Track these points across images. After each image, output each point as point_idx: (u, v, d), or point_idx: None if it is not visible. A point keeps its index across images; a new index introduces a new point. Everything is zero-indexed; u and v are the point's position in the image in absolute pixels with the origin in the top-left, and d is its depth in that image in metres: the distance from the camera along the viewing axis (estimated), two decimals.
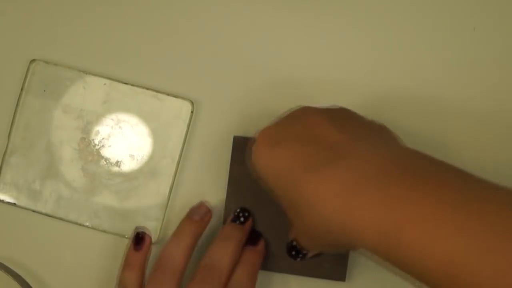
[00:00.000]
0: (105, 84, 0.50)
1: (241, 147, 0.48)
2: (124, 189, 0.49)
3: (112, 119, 0.50)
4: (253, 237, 0.47)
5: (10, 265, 0.49)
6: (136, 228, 0.48)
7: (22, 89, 0.50)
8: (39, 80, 0.50)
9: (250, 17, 0.50)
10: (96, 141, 0.50)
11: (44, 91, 0.50)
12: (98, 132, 0.50)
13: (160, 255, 0.45)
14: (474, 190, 0.34)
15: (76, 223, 0.49)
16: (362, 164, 0.36)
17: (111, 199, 0.49)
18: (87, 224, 0.49)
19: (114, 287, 0.47)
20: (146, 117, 0.49)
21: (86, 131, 0.50)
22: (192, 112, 0.49)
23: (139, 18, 0.51)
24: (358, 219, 0.35)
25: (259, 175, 0.41)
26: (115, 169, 0.49)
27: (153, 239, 0.49)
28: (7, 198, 0.49)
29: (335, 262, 0.47)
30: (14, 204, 0.49)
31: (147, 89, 0.49)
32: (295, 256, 0.43)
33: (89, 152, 0.50)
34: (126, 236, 0.49)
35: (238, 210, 0.47)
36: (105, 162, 0.50)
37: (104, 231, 0.49)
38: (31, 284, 0.48)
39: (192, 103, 0.49)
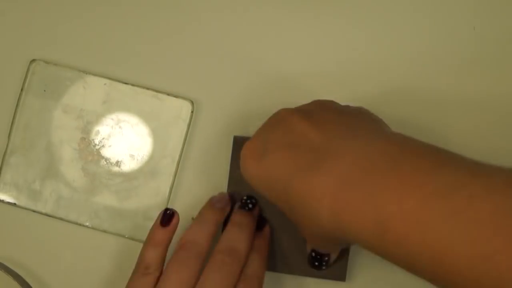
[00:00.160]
0: (105, 84, 0.50)
1: (241, 147, 0.48)
2: (124, 189, 0.49)
3: (112, 119, 0.50)
4: (259, 223, 0.47)
5: (10, 265, 0.49)
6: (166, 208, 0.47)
7: (22, 89, 0.50)
8: (39, 80, 0.50)
9: (250, 17, 0.50)
10: (96, 141, 0.50)
11: (44, 91, 0.50)
12: (98, 132, 0.50)
13: (184, 239, 0.44)
14: (464, 175, 0.33)
15: (76, 223, 0.49)
16: (343, 163, 0.36)
17: (111, 199, 0.49)
18: (87, 224, 0.49)
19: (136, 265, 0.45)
20: (146, 117, 0.50)
21: (86, 131, 0.50)
22: (192, 112, 0.49)
23: (139, 18, 0.51)
24: (348, 217, 0.35)
25: (252, 186, 0.42)
26: (115, 169, 0.49)
27: None
28: (7, 198, 0.49)
29: (335, 262, 0.47)
30: (14, 204, 0.49)
31: (147, 89, 0.49)
32: (319, 266, 0.43)
33: (89, 152, 0.50)
34: (126, 236, 0.49)
35: (245, 197, 0.47)
36: (105, 162, 0.50)
37: (104, 231, 0.49)
38: (31, 284, 0.48)
39: (192, 103, 0.49)
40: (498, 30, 0.49)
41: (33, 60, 0.50)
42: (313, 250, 0.43)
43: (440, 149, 0.36)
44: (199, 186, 0.49)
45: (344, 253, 0.45)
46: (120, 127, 0.50)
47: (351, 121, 0.40)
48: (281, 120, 0.41)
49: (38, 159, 0.49)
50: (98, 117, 0.50)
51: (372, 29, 0.50)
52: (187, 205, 0.49)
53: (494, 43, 0.49)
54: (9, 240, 0.50)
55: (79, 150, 0.50)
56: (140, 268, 0.43)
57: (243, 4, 0.50)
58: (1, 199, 0.49)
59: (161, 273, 0.43)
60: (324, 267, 0.43)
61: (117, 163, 0.49)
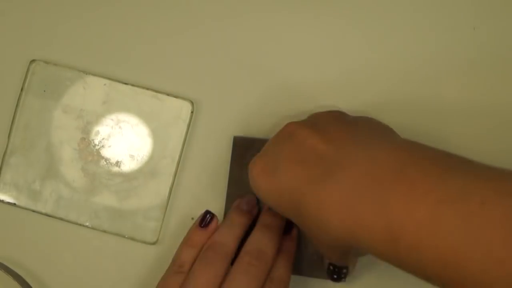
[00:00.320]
0: (105, 84, 0.50)
1: (241, 147, 0.48)
2: (124, 189, 0.49)
3: (112, 119, 0.50)
4: (287, 225, 0.47)
5: (10, 265, 0.49)
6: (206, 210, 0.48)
7: (22, 89, 0.50)
8: (39, 80, 0.50)
9: (250, 18, 0.50)
10: (96, 141, 0.50)
11: (44, 91, 0.50)
12: (98, 132, 0.50)
13: (212, 240, 0.44)
14: (474, 180, 0.33)
15: (76, 223, 0.49)
16: (352, 173, 0.36)
17: (111, 199, 0.49)
18: (87, 224, 0.49)
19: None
20: (146, 117, 0.49)
21: (86, 131, 0.50)
22: (192, 112, 0.49)
23: (139, 18, 0.51)
24: (359, 227, 0.35)
25: (263, 201, 0.42)
26: (115, 169, 0.49)
27: (153, 239, 0.49)
28: (7, 198, 0.49)
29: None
30: (14, 204, 0.49)
31: (147, 89, 0.49)
32: (338, 279, 0.43)
33: (89, 152, 0.50)
34: (126, 236, 0.49)
35: None
36: (105, 162, 0.50)
37: (104, 231, 0.49)
38: (31, 284, 0.48)
39: (192, 103, 0.49)
40: (498, 30, 0.49)
41: (33, 60, 0.50)
42: (330, 264, 0.43)
43: (449, 154, 0.36)
44: (199, 186, 0.49)
45: None
46: (120, 127, 0.50)
47: (359, 130, 0.41)
48: (290, 135, 0.41)
49: (38, 159, 0.49)
50: (98, 117, 0.50)
51: (371, 30, 0.50)
52: (187, 205, 0.49)
53: (494, 44, 0.49)
54: (9, 240, 0.50)
55: (79, 150, 0.50)
56: (174, 266, 0.44)
57: (244, 5, 0.50)
58: (1, 199, 0.49)
59: None
60: (343, 280, 0.43)
61: (117, 163, 0.49)
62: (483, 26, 0.49)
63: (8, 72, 0.50)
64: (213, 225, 0.46)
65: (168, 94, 0.49)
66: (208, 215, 0.46)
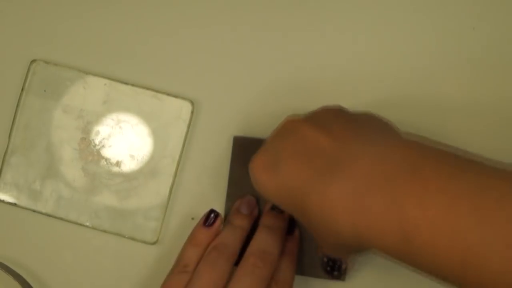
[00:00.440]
0: (105, 84, 0.50)
1: (241, 147, 0.48)
2: (124, 189, 0.49)
3: (112, 119, 0.50)
4: (289, 225, 0.46)
5: (10, 265, 0.49)
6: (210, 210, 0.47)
7: (22, 89, 0.50)
8: (39, 80, 0.50)
9: (250, 18, 0.50)
10: (96, 141, 0.50)
11: (45, 91, 0.50)
12: (98, 132, 0.50)
13: (216, 241, 0.44)
14: (488, 178, 0.32)
15: (76, 223, 0.49)
16: (360, 169, 0.36)
17: (111, 199, 0.49)
18: (87, 224, 0.49)
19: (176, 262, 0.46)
20: (146, 117, 0.50)
21: (86, 131, 0.50)
22: (192, 112, 0.49)
23: (139, 18, 0.51)
24: (369, 225, 0.35)
25: (266, 198, 0.42)
26: (115, 169, 0.50)
27: (153, 239, 0.49)
28: (8, 198, 0.50)
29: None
30: (15, 204, 0.50)
31: (147, 89, 0.49)
32: (332, 271, 0.43)
33: (89, 152, 0.50)
34: (126, 236, 0.49)
35: None
36: (105, 162, 0.50)
37: (104, 231, 0.49)
38: (32, 284, 0.48)
39: (192, 103, 0.49)
40: (498, 30, 0.49)
41: (34, 60, 0.50)
42: (325, 256, 0.43)
43: (459, 153, 0.35)
44: (199, 186, 0.50)
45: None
46: (120, 127, 0.50)
47: (361, 126, 0.40)
48: (291, 130, 0.41)
49: (39, 159, 0.50)
50: (98, 117, 0.50)
51: (372, 29, 0.50)
52: (187, 205, 0.49)
53: (494, 44, 0.49)
54: (9, 240, 0.50)
55: (79, 150, 0.50)
56: (179, 265, 0.44)
57: (244, 5, 0.50)
58: (2, 199, 0.50)
59: None
60: (337, 273, 0.43)
61: (117, 163, 0.49)
62: (483, 26, 0.49)
63: (8, 72, 0.50)
64: (217, 224, 0.46)
65: (168, 94, 0.49)
66: (212, 214, 0.46)
